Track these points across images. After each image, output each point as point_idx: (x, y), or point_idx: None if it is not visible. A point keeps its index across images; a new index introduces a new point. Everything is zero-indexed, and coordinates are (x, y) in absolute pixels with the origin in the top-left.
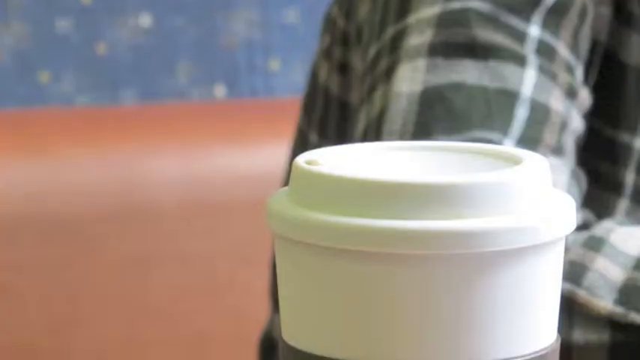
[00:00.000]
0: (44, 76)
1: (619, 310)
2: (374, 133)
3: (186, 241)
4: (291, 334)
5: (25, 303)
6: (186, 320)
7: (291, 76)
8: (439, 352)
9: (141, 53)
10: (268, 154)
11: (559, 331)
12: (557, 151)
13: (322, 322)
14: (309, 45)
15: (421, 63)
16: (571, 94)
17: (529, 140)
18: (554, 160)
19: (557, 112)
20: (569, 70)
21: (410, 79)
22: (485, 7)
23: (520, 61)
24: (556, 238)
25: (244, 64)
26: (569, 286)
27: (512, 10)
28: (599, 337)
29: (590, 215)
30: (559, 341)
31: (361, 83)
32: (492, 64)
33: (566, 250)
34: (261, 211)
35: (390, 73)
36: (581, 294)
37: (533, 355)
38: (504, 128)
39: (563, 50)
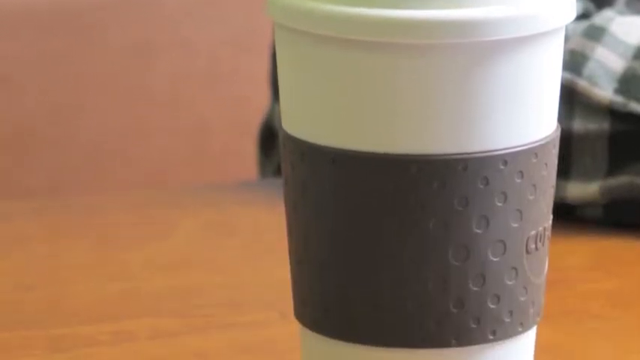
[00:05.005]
0: None
1: (618, 99)
2: None
3: (188, 30)
4: (291, 124)
5: (25, 93)
6: (188, 108)
7: None
8: (439, 142)
9: None
10: None
11: (559, 120)
12: None
13: (322, 111)
14: None
15: None
16: None
17: None
18: None
19: None
20: None
21: None
22: None
23: None
24: (556, 28)
25: None
26: (569, 76)
27: None
28: (599, 126)
29: (590, 5)
30: (559, 130)
31: None
32: None
33: (566, 39)
34: None
35: None
36: (581, 83)
37: (533, 145)
38: None
39: None
